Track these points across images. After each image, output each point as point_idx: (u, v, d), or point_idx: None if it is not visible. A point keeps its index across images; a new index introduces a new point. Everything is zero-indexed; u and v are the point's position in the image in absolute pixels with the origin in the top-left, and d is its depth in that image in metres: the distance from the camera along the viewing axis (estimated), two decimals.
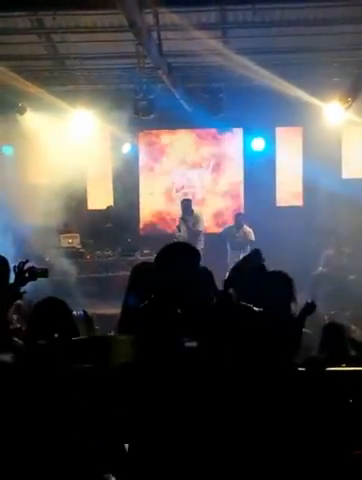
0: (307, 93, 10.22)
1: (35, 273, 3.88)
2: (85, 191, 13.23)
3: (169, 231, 12.95)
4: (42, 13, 8.23)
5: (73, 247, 12.62)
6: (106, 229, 12.80)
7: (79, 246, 12.72)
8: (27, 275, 3.84)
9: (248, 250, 11.66)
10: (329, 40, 9.12)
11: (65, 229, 12.42)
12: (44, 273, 3.95)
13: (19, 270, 3.85)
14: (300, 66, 10.09)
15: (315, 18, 8.26)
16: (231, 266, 12.10)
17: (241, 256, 11.38)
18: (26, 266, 3.88)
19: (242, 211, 12.79)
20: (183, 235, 11.70)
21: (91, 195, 13.43)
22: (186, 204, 12.19)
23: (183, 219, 12.06)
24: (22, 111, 11.57)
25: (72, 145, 12.10)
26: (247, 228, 11.97)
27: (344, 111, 10.43)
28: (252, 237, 11.85)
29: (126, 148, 13.06)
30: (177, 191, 13.65)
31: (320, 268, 11.51)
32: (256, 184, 12.78)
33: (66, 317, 3.35)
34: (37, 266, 4.03)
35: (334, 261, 11.49)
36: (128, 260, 12.21)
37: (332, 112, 10.95)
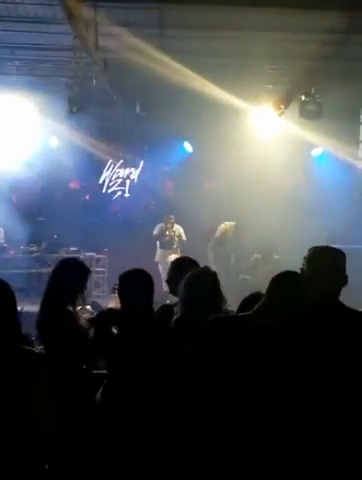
0: (239, 98, 10.35)
1: None
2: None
3: None
4: None
5: None
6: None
7: (2, 241, 12.42)
8: None
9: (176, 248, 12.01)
10: (265, 46, 9.23)
11: None
12: None
13: None
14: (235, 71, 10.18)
15: (253, 24, 8.32)
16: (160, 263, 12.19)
17: (171, 255, 11.71)
18: None
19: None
20: None
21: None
22: None
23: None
24: None
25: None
26: (179, 227, 12.38)
27: (277, 117, 10.61)
28: (183, 237, 12.34)
29: (55, 142, 12.84)
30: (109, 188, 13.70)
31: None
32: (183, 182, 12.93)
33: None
34: None
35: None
36: (53, 257, 12.02)
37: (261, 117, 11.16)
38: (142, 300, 3.93)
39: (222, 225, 12.00)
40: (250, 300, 3.84)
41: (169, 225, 12.33)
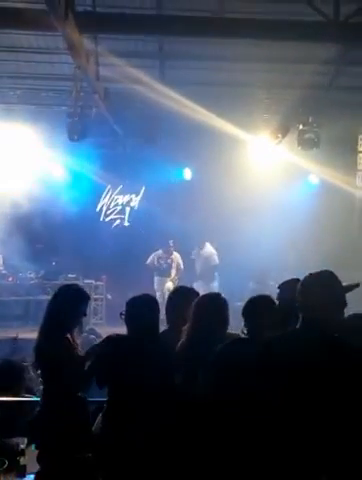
0: (237, 127, 10.43)
1: None
2: None
3: None
4: None
5: None
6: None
7: (1, 267, 12.41)
8: None
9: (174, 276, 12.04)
10: (261, 77, 9.36)
11: None
12: None
13: None
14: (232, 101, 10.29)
15: (248, 54, 8.44)
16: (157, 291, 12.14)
17: (168, 283, 11.77)
18: None
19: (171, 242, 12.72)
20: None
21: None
22: None
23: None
24: None
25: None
26: (177, 255, 12.35)
27: (274, 146, 10.69)
28: (181, 265, 12.35)
29: (55, 170, 12.89)
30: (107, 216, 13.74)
31: None
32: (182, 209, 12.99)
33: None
34: None
35: None
36: (51, 284, 12.01)
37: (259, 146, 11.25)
38: (148, 325, 3.96)
39: None
40: None
41: (168, 252, 12.33)
